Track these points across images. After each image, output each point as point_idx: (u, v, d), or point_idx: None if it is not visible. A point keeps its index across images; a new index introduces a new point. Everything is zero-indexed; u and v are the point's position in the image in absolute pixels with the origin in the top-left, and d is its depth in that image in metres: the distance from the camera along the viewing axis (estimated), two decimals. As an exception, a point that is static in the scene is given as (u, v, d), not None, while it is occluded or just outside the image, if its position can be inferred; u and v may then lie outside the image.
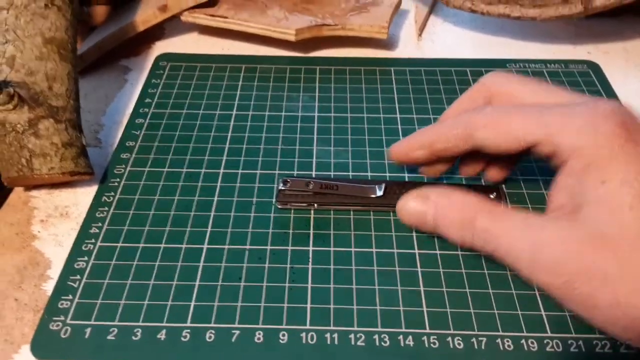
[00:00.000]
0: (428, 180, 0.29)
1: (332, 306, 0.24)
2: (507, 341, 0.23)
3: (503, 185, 0.29)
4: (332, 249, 0.26)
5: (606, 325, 0.19)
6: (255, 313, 0.24)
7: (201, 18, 0.39)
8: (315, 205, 0.28)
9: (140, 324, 0.23)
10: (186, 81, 0.37)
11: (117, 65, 0.39)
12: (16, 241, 0.27)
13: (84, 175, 0.28)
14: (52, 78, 0.28)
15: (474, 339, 0.23)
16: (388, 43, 0.41)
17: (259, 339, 0.23)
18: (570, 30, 0.42)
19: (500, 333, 0.23)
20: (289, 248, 0.26)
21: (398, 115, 0.34)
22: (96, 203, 0.28)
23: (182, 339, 0.23)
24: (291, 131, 0.33)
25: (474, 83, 0.26)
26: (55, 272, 0.26)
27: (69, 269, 0.25)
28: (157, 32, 0.42)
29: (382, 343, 0.23)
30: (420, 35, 0.42)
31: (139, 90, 0.36)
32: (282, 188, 0.27)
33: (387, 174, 0.30)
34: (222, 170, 0.30)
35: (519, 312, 0.23)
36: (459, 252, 0.26)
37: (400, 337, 0.23)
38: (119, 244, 0.26)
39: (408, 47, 0.41)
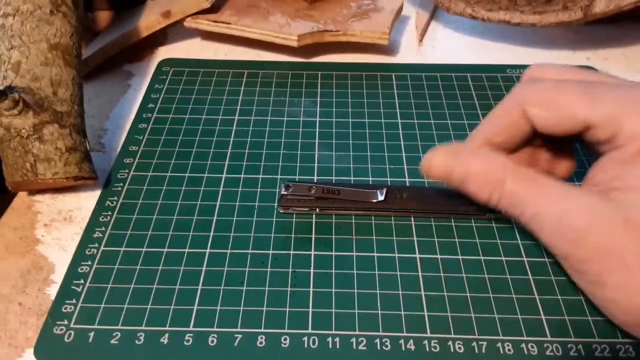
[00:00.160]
0: (429, 184, 0.29)
1: (333, 310, 0.24)
2: (508, 345, 0.23)
3: None
4: (333, 253, 0.26)
5: (607, 305, 0.20)
6: (257, 317, 0.24)
7: (204, 24, 0.40)
8: (317, 210, 0.28)
9: (143, 328, 0.23)
10: (189, 86, 0.37)
11: (120, 70, 0.40)
12: (20, 245, 0.27)
13: (87, 180, 0.28)
14: (57, 83, 0.28)
15: (474, 343, 0.23)
16: (389, 49, 0.41)
17: (261, 343, 0.23)
18: (570, 37, 0.43)
19: (501, 337, 0.23)
20: (291, 252, 0.26)
21: (399, 120, 0.34)
22: (99, 207, 0.29)
23: (185, 343, 0.23)
24: (293, 136, 0.33)
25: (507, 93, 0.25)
26: (58, 276, 0.26)
27: (72, 273, 0.26)
28: (160, 37, 0.43)
29: (384, 347, 0.23)
30: (421, 41, 0.43)
31: (142, 95, 0.37)
32: (285, 193, 0.28)
33: (389, 179, 0.30)
34: (224, 175, 0.30)
35: (519, 317, 0.24)
36: (460, 257, 0.26)
37: (402, 341, 0.23)
38: (122, 249, 0.27)
39: (409, 52, 0.41)
